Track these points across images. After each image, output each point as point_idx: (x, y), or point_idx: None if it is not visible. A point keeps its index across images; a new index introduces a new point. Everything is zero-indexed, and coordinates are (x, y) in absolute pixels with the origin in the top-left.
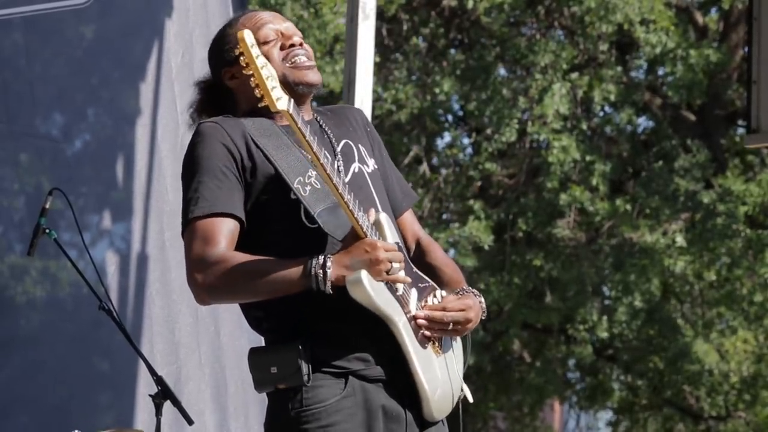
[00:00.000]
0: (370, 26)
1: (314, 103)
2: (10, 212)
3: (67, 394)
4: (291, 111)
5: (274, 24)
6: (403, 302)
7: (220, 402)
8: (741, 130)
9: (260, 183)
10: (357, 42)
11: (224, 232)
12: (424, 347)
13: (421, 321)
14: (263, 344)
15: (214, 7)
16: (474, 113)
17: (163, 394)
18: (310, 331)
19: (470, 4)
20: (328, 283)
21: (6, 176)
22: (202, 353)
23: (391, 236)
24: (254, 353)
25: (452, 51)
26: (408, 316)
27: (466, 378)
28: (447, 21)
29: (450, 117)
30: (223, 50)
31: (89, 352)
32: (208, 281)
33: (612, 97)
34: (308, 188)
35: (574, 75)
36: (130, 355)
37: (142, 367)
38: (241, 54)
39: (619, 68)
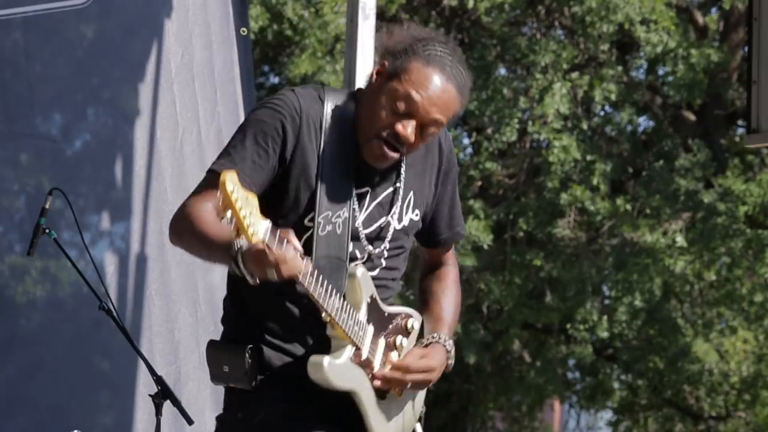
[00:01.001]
0: (370, 26)
1: None
2: (10, 212)
3: (67, 394)
4: (267, 240)
5: (420, 101)
6: (367, 363)
7: (220, 402)
8: (741, 130)
9: (294, 183)
10: (357, 42)
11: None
12: (384, 397)
13: (377, 383)
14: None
15: (214, 7)
16: (474, 113)
17: (163, 394)
18: (262, 336)
19: (470, 4)
20: (247, 277)
21: (6, 176)
22: (201, 353)
23: (365, 293)
24: (210, 348)
25: None
26: (370, 375)
27: (466, 378)
28: (447, 21)
29: None
30: (388, 49)
31: (89, 352)
32: (174, 227)
33: (612, 97)
34: (328, 228)
35: (575, 74)
36: (130, 355)
37: (142, 367)
38: (220, 197)
39: (620, 68)
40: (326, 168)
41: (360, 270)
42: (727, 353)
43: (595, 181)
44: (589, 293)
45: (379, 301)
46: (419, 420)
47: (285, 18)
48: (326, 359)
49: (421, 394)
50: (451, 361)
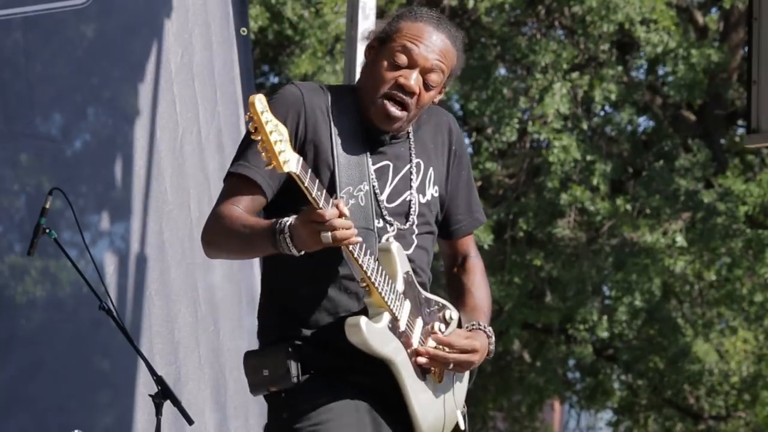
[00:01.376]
0: (370, 26)
1: None
2: (10, 212)
3: (67, 393)
4: (298, 172)
5: (417, 49)
6: (405, 338)
7: (220, 402)
8: (741, 130)
9: (313, 167)
10: (357, 42)
11: (243, 195)
12: (424, 378)
13: (421, 359)
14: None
15: (214, 7)
16: (474, 113)
17: (163, 393)
18: (303, 331)
19: (470, 4)
20: (293, 249)
21: (6, 176)
22: (201, 353)
23: (401, 268)
24: (248, 357)
25: None
26: (410, 350)
27: None
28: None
29: None
30: (377, 31)
31: (89, 352)
32: (206, 237)
33: (612, 97)
34: (351, 201)
35: (575, 74)
36: (130, 355)
37: (142, 367)
38: (250, 119)
39: (620, 68)
40: (340, 146)
41: (395, 245)
42: (728, 353)
43: (595, 182)
44: (589, 293)
45: (416, 281)
46: (463, 416)
47: (285, 18)
48: (363, 319)
49: (463, 389)
50: (493, 347)
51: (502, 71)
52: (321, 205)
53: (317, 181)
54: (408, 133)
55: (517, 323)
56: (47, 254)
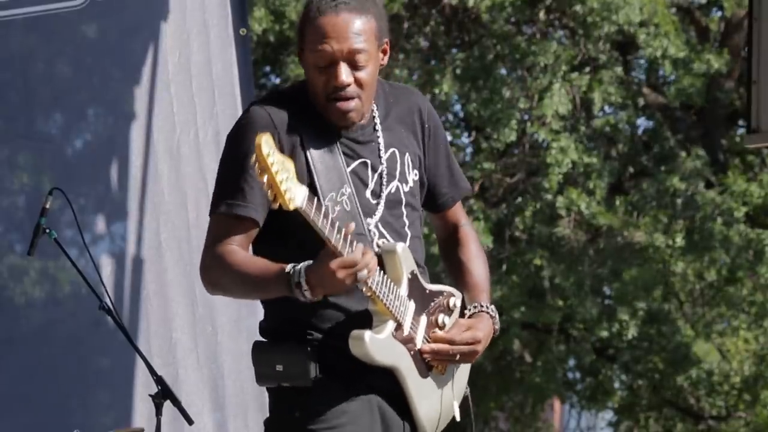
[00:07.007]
0: None
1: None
2: (10, 212)
3: (66, 393)
4: (304, 207)
5: (329, 46)
6: (409, 339)
7: (219, 402)
8: (741, 130)
9: None
10: None
11: (239, 233)
12: (427, 375)
13: (426, 356)
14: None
15: (213, 8)
16: (474, 114)
17: (163, 393)
18: (318, 334)
19: (470, 3)
20: (313, 299)
21: (6, 176)
22: (200, 353)
23: (406, 269)
24: (259, 348)
25: (453, 50)
26: (413, 352)
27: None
28: (448, 20)
29: (450, 117)
30: (298, 36)
31: (89, 352)
32: (208, 278)
33: (612, 98)
34: (337, 208)
35: (574, 75)
36: (130, 355)
37: (141, 367)
38: (256, 161)
39: (619, 68)
40: (315, 156)
41: (400, 245)
42: (728, 353)
43: (591, 185)
44: (589, 293)
45: (420, 278)
46: (465, 398)
47: (286, 18)
48: (367, 333)
49: (464, 375)
50: (498, 326)
51: (503, 71)
52: (340, 247)
53: (328, 214)
54: (375, 125)
55: (517, 323)
56: (47, 254)
